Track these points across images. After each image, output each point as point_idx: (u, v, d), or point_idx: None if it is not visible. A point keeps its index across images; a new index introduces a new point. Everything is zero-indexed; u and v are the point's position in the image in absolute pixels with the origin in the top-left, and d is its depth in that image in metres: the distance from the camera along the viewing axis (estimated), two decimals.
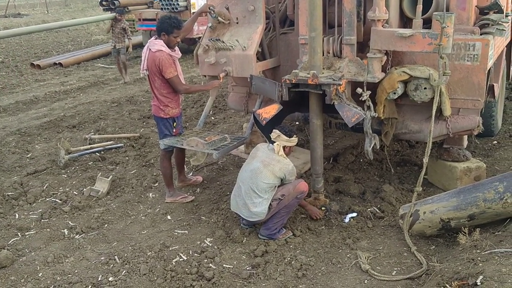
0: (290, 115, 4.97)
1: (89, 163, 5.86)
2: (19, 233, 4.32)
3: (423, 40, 3.60)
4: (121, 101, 8.99)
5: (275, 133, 3.91)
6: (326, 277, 3.48)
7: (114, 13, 10.77)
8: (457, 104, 4.16)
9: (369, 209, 4.32)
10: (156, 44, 4.35)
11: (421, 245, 3.77)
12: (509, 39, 5.54)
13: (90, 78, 11.45)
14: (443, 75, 3.57)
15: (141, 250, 3.88)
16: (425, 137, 4.11)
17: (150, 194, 5.01)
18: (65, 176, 5.57)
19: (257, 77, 4.57)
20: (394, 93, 4.03)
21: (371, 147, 3.90)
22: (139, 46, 15.06)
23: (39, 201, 4.96)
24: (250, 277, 3.49)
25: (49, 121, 7.73)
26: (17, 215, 4.67)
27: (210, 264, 3.63)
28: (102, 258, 3.83)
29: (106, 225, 4.41)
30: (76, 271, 3.69)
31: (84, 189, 5.09)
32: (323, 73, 3.97)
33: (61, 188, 5.24)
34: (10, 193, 5.06)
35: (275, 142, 3.90)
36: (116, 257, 3.81)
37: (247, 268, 3.60)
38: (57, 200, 4.95)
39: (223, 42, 4.62)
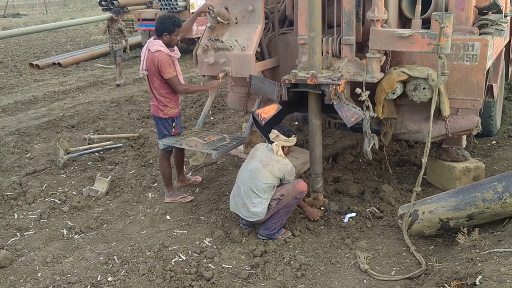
0: (289, 115, 4.98)
1: (88, 163, 5.85)
2: (18, 233, 4.31)
3: (422, 40, 3.61)
4: (120, 101, 8.99)
5: (273, 133, 3.91)
6: (325, 277, 3.48)
7: (111, 14, 10.60)
8: (456, 104, 4.16)
9: (368, 209, 4.33)
10: (155, 45, 4.34)
11: (420, 245, 3.78)
12: (508, 39, 5.55)
13: (89, 78, 11.44)
14: (442, 75, 3.58)
15: (140, 250, 3.88)
16: (424, 137, 4.11)
17: (149, 194, 5.01)
18: (64, 176, 5.57)
19: (256, 77, 4.57)
20: (393, 93, 4.04)
21: (370, 147, 3.91)
22: (138, 46, 15.08)
23: (38, 201, 4.96)
24: (249, 277, 3.49)
25: (48, 121, 7.73)
26: (16, 215, 4.66)
27: (209, 264, 3.63)
28: (101, 258, 3.83)
29: (105, 225, 4.40)
30: (75, 271, 3.68)
31: (83, 189, 5.09)
32: (322, 73, 3.98)
33: (60, 188, 5.24)
34: (9, 193, 5.06)
35: (274, 142, 3.90)
36: (115, 257, 3.81)
37: (246, 268, 3.60)
38: (56, 200, 4.94)
39: (222, 42, 4.62)
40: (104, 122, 7.62)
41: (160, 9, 13.07)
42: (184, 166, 5.17)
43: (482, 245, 3.17)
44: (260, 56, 4.88)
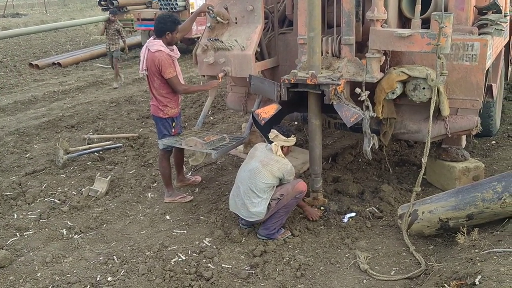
0: (289, 115, 4.98)
1: (88, 163, 5.85)
2: (17, 233, 4.31)
3: (422, 40, 3.61)
4: (120, 101, 8.99)
5: (273, 133, 3.91)
6: (324, 277, 3.48)
7: (108, 15, 10.41)
8: (456, 104, 4.16)
9: (367, 209, 4.33)
10: (155, 44, 4.34)
11: (420, 245, 3.78)
12: (507, 39, 5.55)
13: (88, 78, 11.43)
14: (441, 75, 3.58)
15: (140, 250, 3.88)
16: (423, 137, 4.11)
17: (149, 194, 5.01)
18: (64, 176, 5.56)
19: (256, 77, 4.57)
20: (393, 93, 4.04)
21: (370, 147, 3.91)
22: (138, 46, 15.08)
23: (38, 201, 4.95)
24: (249, 277, 3.49)
25: (48, 121, 7.72)
26: (15, 215, 4.66)
27: (209, 264, 3.63)
28: (101, 258, 3.82)
29: (104, 225, 4.40)
30: (74, 271, 3.68)
31: (83, 189, 5.09)
32: (321, 73, 3.98)
33: (59, 188, 5.24)
34: (8, 193, 5.06)
35: (273, 142, 3.90)
36: (114, 257, 3.81)
37: (246, 268, 3.60)
38: (55, 200, 4.94)
39: (222, 42, 4.61)
40: (103, 122, 7.62)
41: (160, 9, 13.07)
42: (183, 166, 5.17)
43: (482, 245, 3.17)
44: (259, 56, 4.88)
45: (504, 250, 2.97)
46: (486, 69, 4.09)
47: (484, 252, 3.05)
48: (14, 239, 4.22)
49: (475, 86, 4.05)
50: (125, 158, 6.03)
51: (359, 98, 3.89)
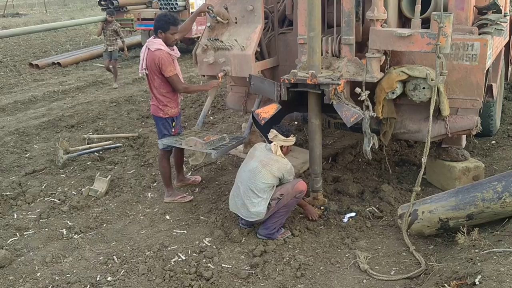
0: (289, 114, 4.97)
1: (88, 163, 5.85)
2: (17, 233, 4.31)
3: (422, 40, 3.61)
4: (120, 101, 8.98)
5: (272, 133, 3.91)
6: (324, 277, 3.48)
7: (105, 15, 10.21)
8: (456, 104, 4.16)
9: (367, 209, 4.32)
10: (155, 43, 4.34)
11: (420, 244, 3.78)
12: (507, 39, 5.55)
13: (88, 78, 11.42)
14: (440, 74, 3.58)
15: (140, 250, 3.87)
16: (423, 137, 4.11)
17: (149, 194, 5.01)
18: (64, 176, 5.56)
19: (256, 76, 4.57)
20: (393, 93, 4.04)
21: (370, 146, 3.91)
22: (138, 46, 15.08)
23: (38, 201, 4.95)
24: (249, 276, 3.49)
25: (48, 121, 7.72)
26: (15, 215, 4.66)
27: (209, 264, 3.63)
28: (101, 258, 3.82)
29: (104, 225, 4.40)
30: (74, 271, 3.68)
31: (83, 189, 5.08)
32: (321, 72, 3.98)
33: (59, 188, 5.24)
34: (8, 193, 5.05)
35: (272, 142, 3.90)
36: (114, 257, 3.81)
37: (246, 268, 3.60)
38: (55, 200, 4.94)
39: (222, 42, 4.61)
40: (103, 122, 7.62)
41: (160, 8, 13.05)
42: (183, 166, 5.16)
43: (482, 244, 3.17)
44: (259, 56, 4.88)
45: (504, 250, 2.97)
46: (486, 69, 4.09)
47: (484, 252, 3.05)
48: (14, 239, 4.22)
49: (475, 86, 4.05)
50: (125, 158, 6.03)
51: (359, 98, 3.89)
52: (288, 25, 5.15)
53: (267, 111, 4.12)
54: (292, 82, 3.98)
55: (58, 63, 12.84)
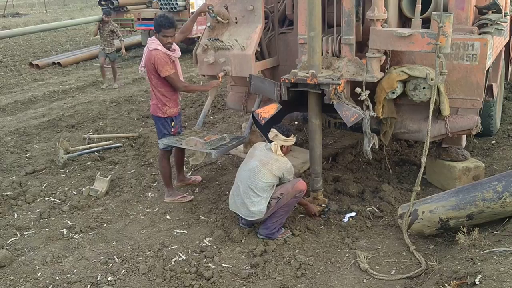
0: (289, 114, 4.97)
1: (88, 163, 5.85)
2: (18, 233, 4.31)
3: (422, 40, 3.61)
4: (120, 100, 8.98)
5: (272, 133, 3.91)
6: (325, 277, 3.48)
7: (101, 15, 10.08)
8: (456, 103, 4.16)
9: (368, 209, 4.33)
10: (153, 43, 4.36)
11: (420, 244, 3.78)
12: (507, 39, 5.55)
13: (89, 77, 11.42)
14: (440, 74, 3.58)
15: (140, 250, 3.88)
16: (423, 137, 4.10)
17: (149, 193, 5.01)
18: (64, 175, 5.57)
19: (256, 76, 4.57)
20: (393, 93, 4.04)
21: (370, 146, 3.91)
22: (138, 46, 15.09)
23: (38, 200, 4.95)
24: (249, 276, 3.49)
25: (48, 120, 7.72)
26: (16, 215, 4.66)
27: (209, 264, 3.63)
28: (101, 257, 3.82)
29: (105, 225, 4.40)
30: (75, 270, 3.68)
31: (83, 189, 5.09)
32: (322, 72, 3.98)
33: (60, 187, 5.24)
34: (8, 193, 5.05)
35: (272, 141, 3.91)
36: (115, 256, 3.81)
37: (246, 268, 3.60)
38: (56, 199, 4.94)
39: (222, 41, 4.61)
40: (103, 121, 7.62)
41: (160, 8, 13.04)
42: (184, 166, 5.17)
43: (482, 244, 3.17)
44: (260, 56, 4.88)
45: (504, 249, 2.97)
46: (487, 68, 4.09)
47: (485, 251, 3.05)
48: (14, 238, 4.22)
49: (476, 86, 4.05)
50: (125, 157, 6.03)
51: (359, 98, 3.89)
52: (289, 25, 5.15)
53: (268, 111, 4.12)
54: (292, 82, 3.98)
55: (58, 63, 12.85)
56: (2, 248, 3.97)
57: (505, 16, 4.69)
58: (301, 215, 4.28)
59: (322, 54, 4.08)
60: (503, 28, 4.36)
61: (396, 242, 3.85)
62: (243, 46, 4.53)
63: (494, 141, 5.77)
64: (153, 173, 5.47)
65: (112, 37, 10.00)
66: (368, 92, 3.88)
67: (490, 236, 3.34)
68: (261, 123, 4.19)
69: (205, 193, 4.92)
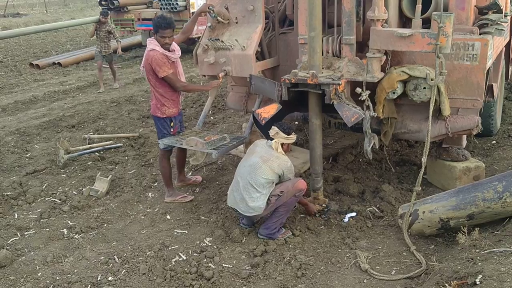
0: (290, 114, 4.97)
1: (89, 163, 5.85)
2: (18, 233, 4.31)
3: (423, 40, 3.61)
4: (120, 100, 8.99)
5: (273, 130, 3.92)
6: (325, 277, 3.48)
7: (98, 16, 9.97)
8: (456, 103, 4.16)
9: (368, 209, 4.33)
10: (151, 44, 4.36)
11: (420, 244, 3.78)
12: (508, 39, 5.54)
13: (89, 78, 11.43)
14: (440, 74, 3.58)
15: (141, 250, 3.88)
16: (424, 137, 4.10)
17: (150, 193, 5.01)
18: (65, 176, 5.57)
19: (257, 76, 4.57)
20: (394, 93, 4.03)
21: (371, 146, 3.91)
22: (138, 46, 15.09)
23: (38, 200, 4.96)
24: (250, 276, 3.49)
25: (48, 121, 7.72)
26: (16, 215, 4.66)
27: (210, 264, 3.63)
28: (102, 257, 3.83)
29: (105, 225, 4.40)
30: (75, 270, 3.69)
31: (84, 189, 5.09)
32: (322, 72, 3.98)
33: (60, 187, 5.24)
34: (9, 193, 5.06)
35: (273, 139, 3.91)
36: (115, 256, 3.81)
37: (247, 268, 3.60)
38: (56, 199, 4.95)
39: (223, 41, 4.61)
40: (104, 121, 7.62)
41: (160, 8, 13.02)
42: (185, 166, 5.17)
43: (483, 244, 3.17)
44: (260, 56, 4.88)
45: (505, 249, 2.97)
46: (487, 68, 4.09)
47: (485, 251, 3.05)
48: (14, 238, 4.23)
49: (476, 86, 4.05)
50: (126, 158, 6.03)
51: (359, 98, 3.89)
52: (289, 25, 5.15)
53: (268, 111, 4.12)
54: (292, 82, 3.98)
55: (59, 63, 12.85)
56: (3, 248, 3.98)
57: (505, 16, 4.68)
58: (301, 215, 4.28)
59: (322, 54, 4.08)
60: (504, 28, 4.36)
61: (396, 242, 3.85)
62: (244, 46, 4.53)
63: (494, 141, 5.77)
64: (154, 173, 5.47)
65: (109, 38, 9.90)
66: (368, 92, 3.88)
67: (491, 236, 3.34)
68: (261, 123, 4.19)
69: (206, 193, 4.92)
